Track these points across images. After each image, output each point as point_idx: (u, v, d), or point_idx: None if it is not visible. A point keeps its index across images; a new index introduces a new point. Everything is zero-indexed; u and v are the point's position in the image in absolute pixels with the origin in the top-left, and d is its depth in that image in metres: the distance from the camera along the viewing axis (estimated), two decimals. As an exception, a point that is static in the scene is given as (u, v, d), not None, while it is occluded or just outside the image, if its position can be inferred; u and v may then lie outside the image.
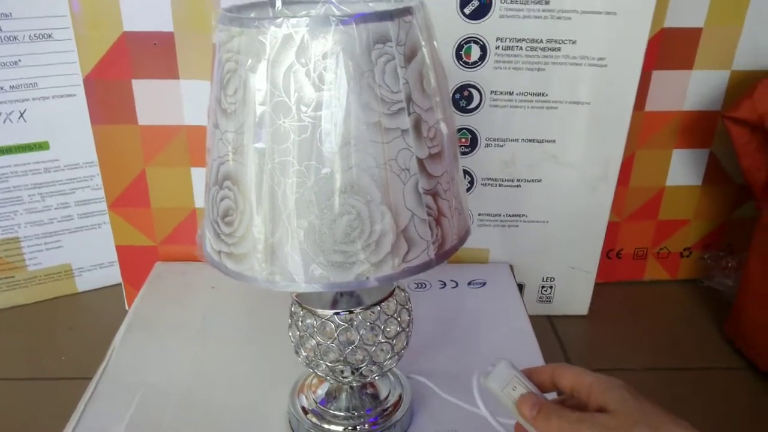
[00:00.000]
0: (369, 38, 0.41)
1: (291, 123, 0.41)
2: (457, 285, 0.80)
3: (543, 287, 0.86)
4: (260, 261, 0.45)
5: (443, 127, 0.46)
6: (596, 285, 0.86)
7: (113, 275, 0.91)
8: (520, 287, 0.83)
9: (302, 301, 0.54)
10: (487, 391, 0.44)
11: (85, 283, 0.93)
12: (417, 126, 0.44)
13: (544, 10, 0.71)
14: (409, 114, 0.43)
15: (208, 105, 0.47)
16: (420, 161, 0.44)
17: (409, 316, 0.56)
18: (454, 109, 0.75)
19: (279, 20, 0.40)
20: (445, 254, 0.47)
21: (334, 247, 0.43)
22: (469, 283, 0.80)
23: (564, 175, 0.79)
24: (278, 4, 0.51)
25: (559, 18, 0.71)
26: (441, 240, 0.46)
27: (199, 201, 0.82)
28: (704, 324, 0.87)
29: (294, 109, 0.41)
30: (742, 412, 0.73)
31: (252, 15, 0.49)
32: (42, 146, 0.84)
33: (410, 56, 0.43)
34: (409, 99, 0.43)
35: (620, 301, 0.92)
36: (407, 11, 0.43)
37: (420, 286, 0.80)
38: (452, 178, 0.47)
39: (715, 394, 0.75)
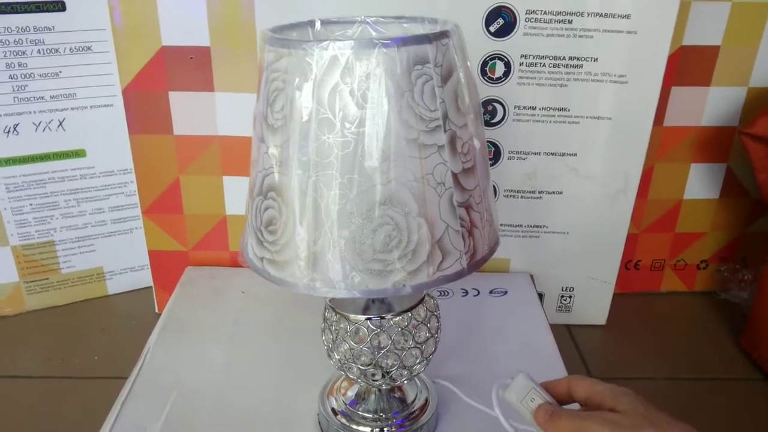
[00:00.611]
0: (409, 60, 0.43)
1: (335, 138, 0.44)
2: (479, 293, 0.82)
3: (562, 297, 0.88)
4: (302, 268, 0.47)
5: (476, 142, 0.48)
6: (614, 295, 0.88)
7: (143, 279, 0.95)
8: (540, 296, 0.86)
9: (336, 306, 0.56)
10: (506, 403, 0.46)
11: (115, 285, 0.96)
12: (452, 142, 0.46)
13: (567, 29, 0.73)
14: (445, 131, 0.46)
15: (253, 119, 0.50)
16: (454, 175, 0.47)
17: (438, 322, 0.58)
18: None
19: (325, 43, 0.43)
20: (476, 264, 0.49)
21: (373, 256, 0.46)
22: (491, 292, 0.83)
23: (585, 188, 0.81)
24: (317, 25, 0.53)
25: (581, 36, 0.74)
26: (473, 250, 0.49)
27: (230, 209, 0.84)
28: (720, 335, 0.89)
29: (338, 125, 0.44)
30: (758, 422, 0.74)
31: (294, 35, 0.52)
32: (79, 154, 0.87)
33: (446, 77, 0.46)
34: (445, 117, 0.45)
35: (637, 311, 0.93)
36: (444, 34, 0.45)
37: (443, 293, 0.82)
38: (484, 191, 0.50)
39: (730, 404, 0.77)
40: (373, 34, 0.54)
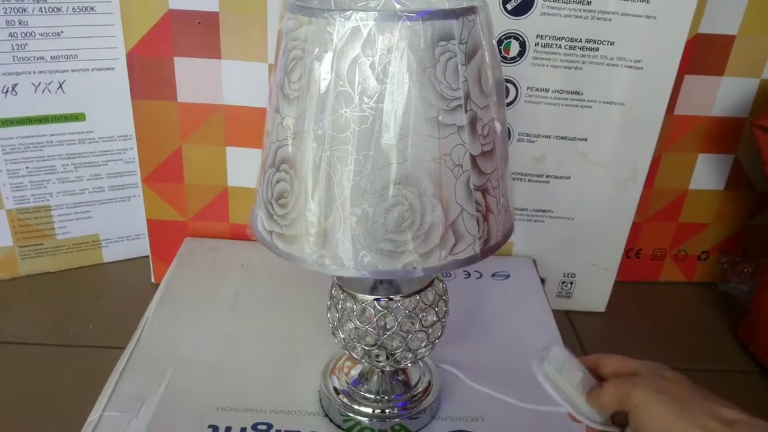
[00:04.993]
0: (434, 35, 0.42)
1: (352, 113, 0.43)
2: (481, 276, 0.82)
3: (563, 282, 0.88)
4: (311, 244, 0.46)
5: (497, 125, 0.47)
6: (614, 283, 0.88)
7: (139, 248, 0.93)
8: (542, 281, 0.85)
9: (343, 284, 0.55)
10: (543, 375, 0.45)
11: (111, 254, 0.94)
12: (472, 123, 0.45)
13: (585, 11, 0.72)
14: (466, 111, 0.44)
15: (268, 88, 0.48)
16: (473, 158, 0.45)
17: (446, 306, 0.57)
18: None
19: (348, 13, 0.41)
20: (489, 250, 0.48)
21: (384, 236, 0.45)
22: (493, 275, 0.82)
23: (593, 174, 0.80)
24: (338, -7, 0.51)
25: (599, 19, 0.72)
26: (486, 236, 0.48)
27: (232, 180, 0.83)
28: (718, 327, 0.89)
29: (356, 99, 0.42)
30: (753, 415, 0.74)
31: (315, 2, 0.50)
32: (78, 117, 0.85)
33: (471, 55, 0.44)
34: (467, 96, 0.44)
35: (637, 300, 0.93)
36: (471, 10, 0.44)
37: (445, 275, 0.81)
38: (501, 175, 0.49)
39: (726, 396, 0.76)
40: (397, 6, 0.52)
